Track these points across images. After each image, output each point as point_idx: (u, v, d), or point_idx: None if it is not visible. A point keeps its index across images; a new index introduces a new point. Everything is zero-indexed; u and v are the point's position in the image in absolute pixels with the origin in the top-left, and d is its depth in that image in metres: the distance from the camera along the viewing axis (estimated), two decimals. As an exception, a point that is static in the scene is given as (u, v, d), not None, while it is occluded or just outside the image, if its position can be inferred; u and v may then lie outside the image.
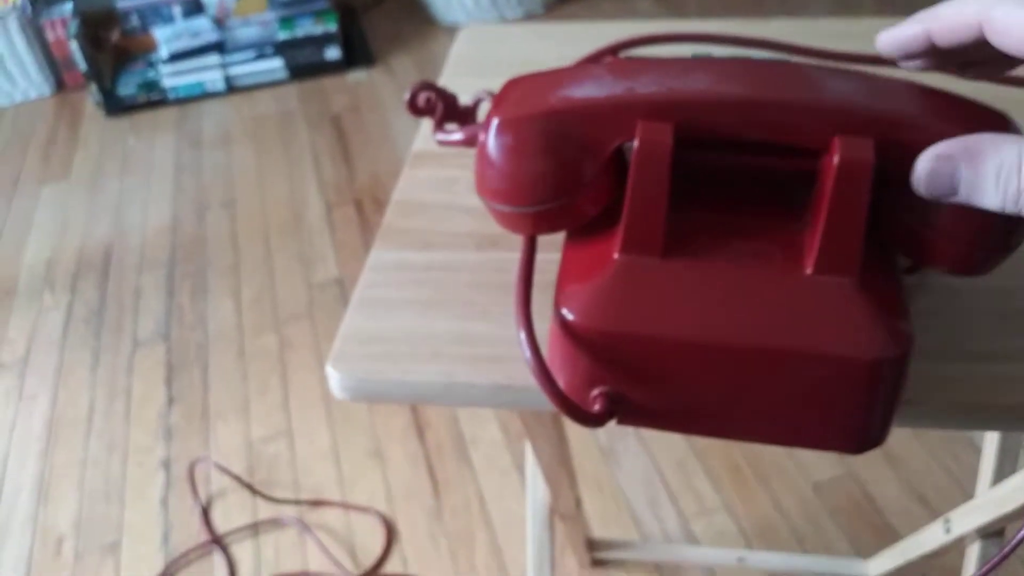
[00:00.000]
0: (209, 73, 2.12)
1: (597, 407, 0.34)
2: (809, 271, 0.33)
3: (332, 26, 2.14)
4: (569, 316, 0.34)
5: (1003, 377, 0.39)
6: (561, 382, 0.35)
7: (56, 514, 1.23)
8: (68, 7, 2.19)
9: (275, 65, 2.13)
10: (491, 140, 0.36)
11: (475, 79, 0.62)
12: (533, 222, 0.37)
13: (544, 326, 0.38)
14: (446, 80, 0.63)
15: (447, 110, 0.47)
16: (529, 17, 2.33)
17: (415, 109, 0.47)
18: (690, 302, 0.33)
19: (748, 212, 0.36)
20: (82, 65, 2.09)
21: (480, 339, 0.42)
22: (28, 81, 2.22)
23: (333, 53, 2.15)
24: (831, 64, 0.39)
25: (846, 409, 0.33)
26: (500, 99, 0.37)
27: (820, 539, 1.10)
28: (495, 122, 0.35)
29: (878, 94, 0.34)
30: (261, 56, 2.12)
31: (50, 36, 2.17)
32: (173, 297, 1.58)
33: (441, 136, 0.46)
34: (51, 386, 1.43)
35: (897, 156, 0.32)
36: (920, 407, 0.38)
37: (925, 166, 0.32)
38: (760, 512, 1.14)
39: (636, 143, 0.33)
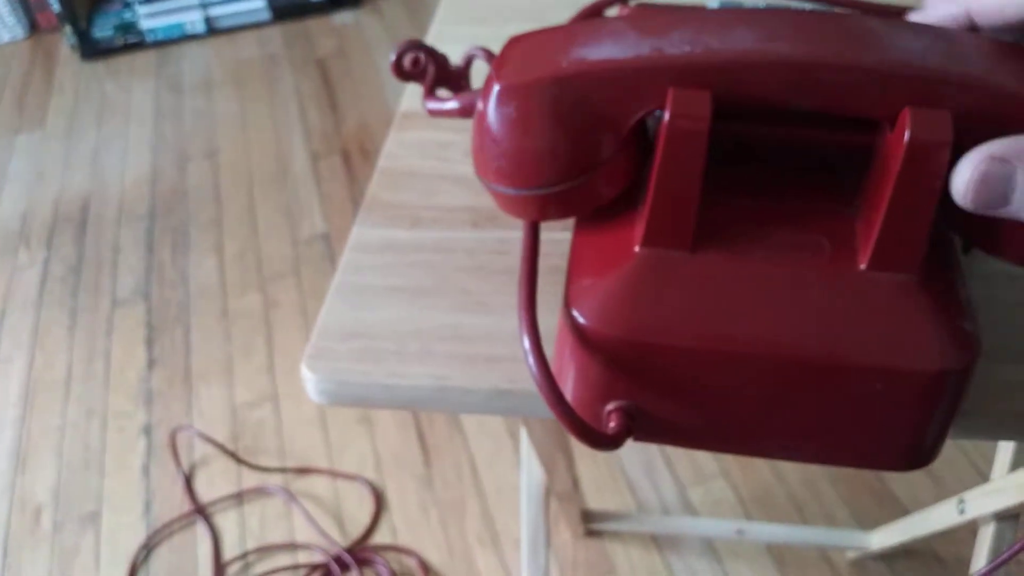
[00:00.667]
0: (188, 14, 2.02)
1: (613, 424, 0.30)
2: (863, 267, 0.28)
3: (317, -36, 2.04)
4: (581, 320, 0.29)
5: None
6: (570, 393, 0.31)
7: (34, 483, 1.19)
8: (38, -57, 2.08)
9: (257, 5, 2.03)
10: (492, 110, 0.30)
11: (471, 27, 0.55)
12: (540, 206, 0.31)
13: (550, 320, 0.32)
14: (438, 28, 0.57)
15: (439, 73, 0.41)
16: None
17: (401, 73, 0.40)
18: (724, 305, 0.28)
19: (791, 196, 0.30)
20: (55, 5, 1.98)
21: (477, 335, 0.37)
22: (0, 24, 2.12)
23: (318, -7, 2.05)
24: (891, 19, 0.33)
25: (899, 425, 0.29)
26: (502, 61, 0.31)
27: (820, 507, 1.07)
28: (496, 89, 0.30)
29: (958, 55, 0.28)
30: (243, -4, 2.02)
31: (20, -25, 2.06)
32: (153, 253, 1.51)
33: (433, 105, 0.40)
34: (27, 348, 1.38)
35: (978, 132, 0.26)
36: (977, 419, 0.33)
37: (973, 171, 0.26)
38: (758, 479, 1.10)
39: (666, 114, 0.27)
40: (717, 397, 0.29)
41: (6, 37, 2.13)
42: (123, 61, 2.02)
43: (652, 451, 1.13)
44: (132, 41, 2.02)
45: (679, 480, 1.11)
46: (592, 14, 0.43)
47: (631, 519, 1.02)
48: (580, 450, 1.14)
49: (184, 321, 1.39)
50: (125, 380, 1.31)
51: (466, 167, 0.45)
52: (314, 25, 2.06)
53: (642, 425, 0.30)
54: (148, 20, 2.00)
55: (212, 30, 2.04)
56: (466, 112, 0.39)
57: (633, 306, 0.28)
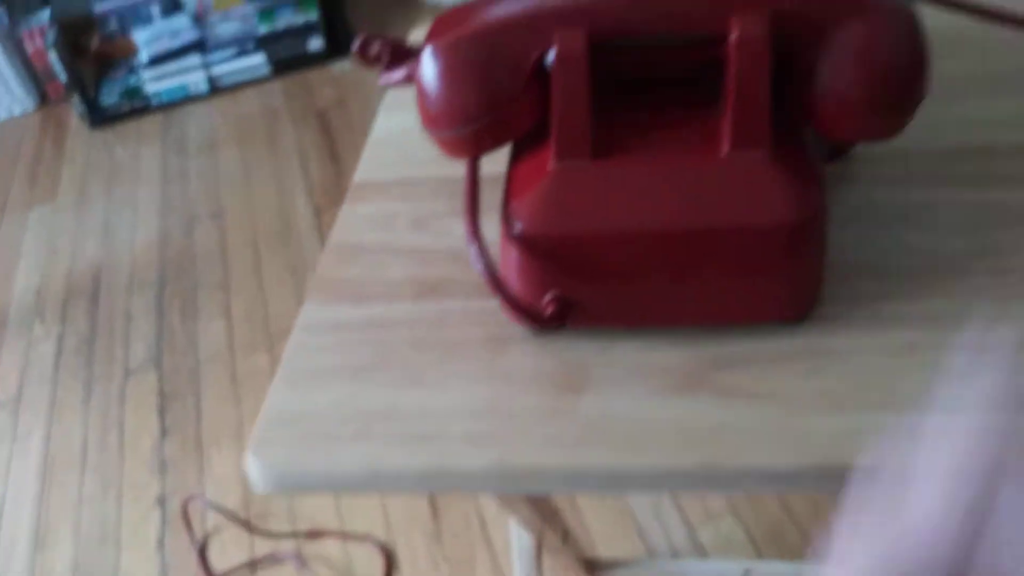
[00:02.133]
0: (191, 75, 2.06)
1: (550, 311, 0.37)
2: (726, 151, 0.35)
3: (313, 15, 2.07)
4: (516, 225, 0.36)
5: None
6: (514, 289, 0.38)
7: (53, 561, 1.20)
8: (46, 15, 2.13)
9: (257, 61, 2.07)
10: (423, 70, 0.37)
11: (396, 169, 0.56)
12: (473, 142, 0.38)
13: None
14: (394, 93, 0.58)
15: (395, 55, 0.45)
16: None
17: (364, 56, 0.45)
18: (622, 196, 0.35)
19: (673, 108, 0.37)
20: (62, 76, 2.04)
21: (412, 412, 0.37)
22: (11, 97, 2.18)
23: (316, 44, 2.09)
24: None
25: (772, 276, 0.36)
26: (430, 33, 0.38)
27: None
28: (424, 52, 0.37)
29: None
30: (243, 52, 2.06)
31: (29, 47, 2.12)
32: (163, 319, 1.53)
33: (385, 78, 0.46)
34: (45, 422, 1.40)
35: (793, 25, 0.34)
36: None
37: None
38: (767, 515, 1.08)
39: (554, 52, 0.35)
40: (629, 275, 0.36)
41: (17, 110, 2.18)
42: (130, 126, 2.06)
43: (660, 493, 1.12)
44: (138, 106, 2.06)
45: (688, 520, 1.09)
46: None
47: (637, 565, 1.01)
48: (585, 501, 1.13)
49: (195, 387, 1.40)
50: (139, 450, 1.32)
51: (411, 237, 0.45)
52: (313, 76, 2.09)
53: (575, 310, 0.37)
54: (153, 84, 2.05)
55: (215, 89, 2.08)
56: (410, 78, 0.43)
57: (552, 208, 0.36)
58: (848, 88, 0.34)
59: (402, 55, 0.43)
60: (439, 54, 0.37)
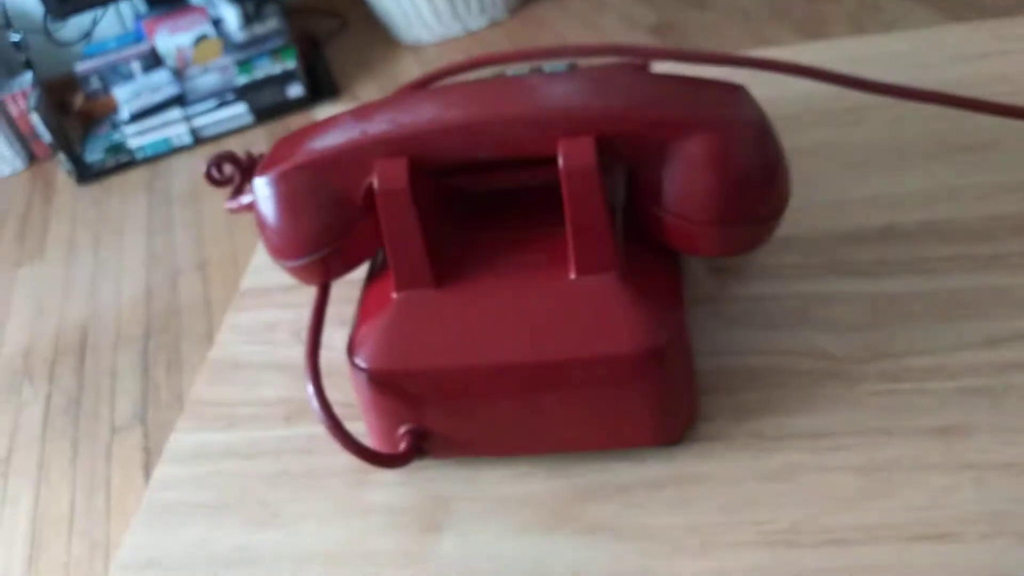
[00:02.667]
0: (174, 128, 2.06)
1: (402, 446, 0.34)
2: (573, 275, 0.33)
3: (291, 63, 2.07)
4: (360, 362, 0.34)
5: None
6: (369, 427, 0.36)
7: (38, 627, 1.19)
8: (28, 78, 2.15)
9: (239, 111, 2.07)
10: (258, 200, 0.36)
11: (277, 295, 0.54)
12: (321, 270, 0.36)
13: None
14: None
15: (247, 176, 0.43)
16: (493, 24, 2.24)
17: (212, 180, 0.42)
18: (468, 328, 0.33)
19: (522, 225, 0.36)
20: (46, 136, 2.05)
21: (264, 556, 0.35)
22: None
23: (296, 91, 2.09)
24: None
25: (637, 403, 0.33)
26: (267, 159, 0.37)
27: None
28: (255, 182, 0.36)
29: (596, 91, 0.33)
30: (223, 103, 2.07)
31: (13, 110, 2.14)
32: (148, 375, 1.53)
33: (231, 203, 0.44)
34: (33, 484, 1.39)
35: (624, 146, 0.32)
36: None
37: None
38: None
39: (375, 183, 0.33)
40: (481, 407, 0.34)
41: (7, 171, 2.20)
42: (116, 181, 2.07)
43: None
44: (123, 160, 2.07)
45: None
46: (418, 87, 0.47)
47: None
48: None
49: (178, 443, 1.39)
50: (125, 509, 1.32)
51: (289, 351, 0.44)
52: (295, 122, 2.09)
53: (431, 443, 0.35)
54: (136, 139, 2.06)
55: (198, 139, 2.08)
56: (251, 206, 0.42)
57: (396, 343, 0.34)
58: (692, 206, 0.32)
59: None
60: (270, 185, 0.35)
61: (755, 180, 0.32)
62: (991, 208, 0.41)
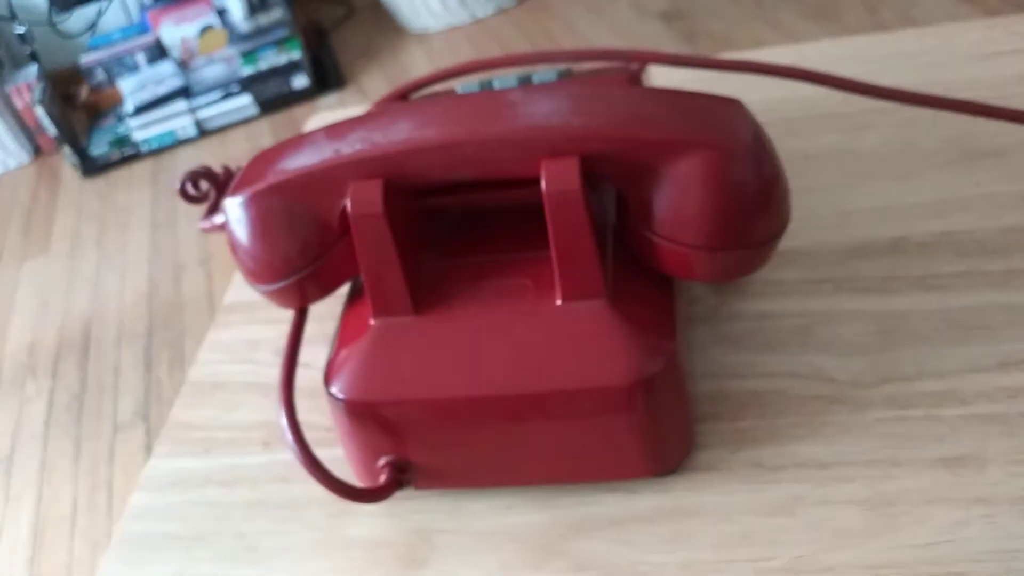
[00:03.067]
0: (179, 120, 2.05)
1: (383, 478, 0.33)
2: (559, 301, 0.31)
3: (296, 53, 2.05)
4: (335, 392, 0.32)
5: None
6: (348, 457, 0.34)
7: (41, 627, 1.19)
8: (33, 70, 2.14)
9: (244, 102, 2.05)
10: (230, 222, 0.34)
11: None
12: (297, 294, 0.35)
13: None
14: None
15: (223, 193, 0.41)
16: (500, 12, 2.21)
17: (187, 197, 0.40)
18: (449, 357, 0.32)
19: (505, 248, 0.34)
20: (51, 130, 2.04)
21: (243, 593, 0.33)
22: (5, 151, 2.18)
23: (301, 81, 2.07)
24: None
25: (629, 434, 0.31)
26: (240, 178, 0.35)
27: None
28: (225, 203, 0.34)
29: (580, 108, 0.31)
30: (228, 95, 2.05)
31: (18, 103, 2.13)
32: (151, 371, 1.52)
33: (204, 223, 0.42)
34: (36, 483, 1.39)
35: (611, 167, 0.30)
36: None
37: None
38: None
39: (348, 205, 0.31)
40: (465, 438, 0.32)
41: (12, 164, 2.19)
42: (122, 174, 2.06)
43: None
44: (128, 153, 2.06)
45: None
46: (397, 98, 0.45)
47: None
48: None
49: (181, 440, 1.38)
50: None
51: (271, 371, 0.42)
52: (300, 113, 2.07)
53: (413, 475, 0.33)
54: (141, 131, 2.04)
55: (203, 132, 2.07)
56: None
57: (373, 372, 0.32)
58: (684, 230, 0.30)
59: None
60: (241, 206, 0.33)
61: (751, 203, 0.30)
62: (1007, 220, 0.39)
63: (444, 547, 0.33)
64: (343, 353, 0.33)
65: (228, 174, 0.41)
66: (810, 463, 0.33)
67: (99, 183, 2.06)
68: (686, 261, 0.31)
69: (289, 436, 0.32)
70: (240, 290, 0.47)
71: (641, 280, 0.33)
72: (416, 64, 2.14)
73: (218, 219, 0.39)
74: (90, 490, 1.35)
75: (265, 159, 0.35)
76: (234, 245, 0.34)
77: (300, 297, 0.35)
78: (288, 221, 0.33)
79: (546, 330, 0.31)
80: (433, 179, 0.32)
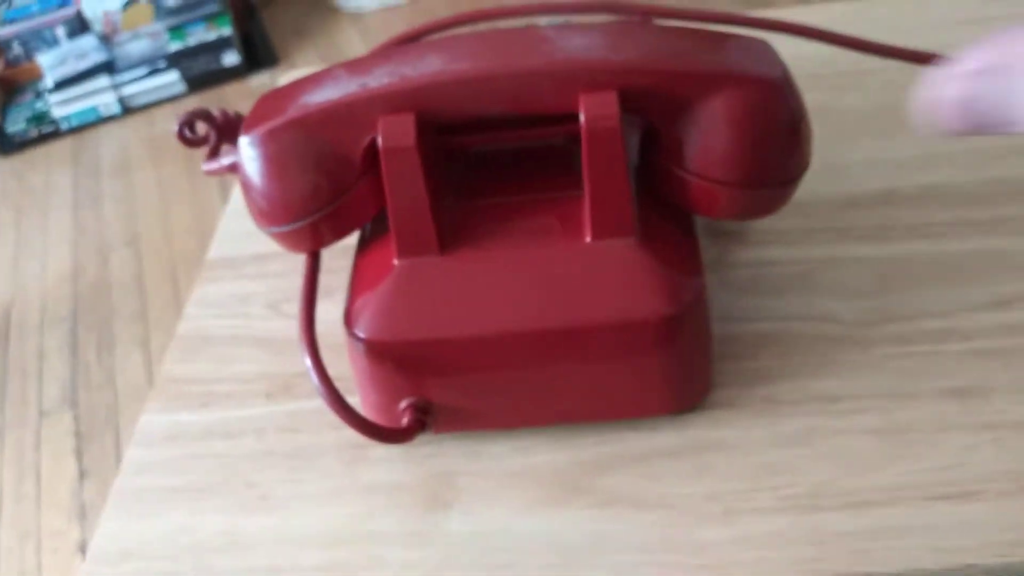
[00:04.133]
0: (101, 96, 1.97)
1: (405, 420, 0.32)
2: (588, 239, 0.31)
3: (226, 29, 1.99)
4: (359, 332, 0.32)
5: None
6: (366, 399, 0.34)
7: (-32, 620, 1.13)
8: (-59, 43, 2.02)
9: (171, 79, 1.99)
10: (243, 162, 0.33)
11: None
12: (311, 236, 0.34)
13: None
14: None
15: (223, 135, 0.40)
16: (436, -7, 2.19)
17: (185, 140, 0.40)
18: (476, 295, 0.31)
19: (530, 188, 0.33)
20: (-37, 106, 1.93)
21: (257, 541, 0.33)
22: (-90, 128, 2.06)
23: (231, 58, 2.01)
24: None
25: (654, 370, 0.32)
26: (250, 117, 0.34)
27: None
28: (241, 141, 0.33)
29: (618, 44, 0.31)
30: (154, 71, 1.97)
31: (-75, 77, 2.01)
32: (78, 356, 1.46)
33: (208, 165, 0.40)
34: (-44, 472, 1.32)
35: (648, 102, 0.30)
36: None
37: (953, 93, 0.22)
38: None
39: (380, 140, 0.30)
40: (491, 378, 0.32)
41: (-82, 142, 2.07)
42: (40, 153, 1.96)
43: None
44: (47, 131, 1.97)
45: None
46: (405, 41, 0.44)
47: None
48: None
49: (113, 425, 1.33)
50: (57, 496, 1.26)
51: (265, 324, 0.41)
52: (231, 91, 2.01)
53: (437, 416, 0.33)
54: (60, 108, 1.95)
55: (127, 109, 1.99)
56: (234, 167, 0.38)
57: (398, 312, 0.31)
58: (718, 168, 0.30)
59: (232, 135, 0.39)
60: (258, 144, 0.32)
61: (783, 139, 0.30)
62: (990, 172, 0.41)
63: (468, 489, 0.33)
64: (365, 295, 0.32)
65: (226, 116, 0.40)
66: (823, 397, 0.34)
67: (15, 162, 1.96)
68: (717, 199, 0.31)
69: (315, 376, 0.31)
70: (224, 246, 0.46)
71: (666, 219, 0.33)
72: (350, 43, 2.11)
73: (225, 160, 0.38)
74: (16, 479, 1.29)
75: (278, 96, 0.34)
76: (247, 185, 0.33)
77: (313, 239, 0.34)
78: (308, 159, 0.32)
79: (575, 267, 0.31)
80: (465, 113, 0.31)
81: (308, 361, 0.31)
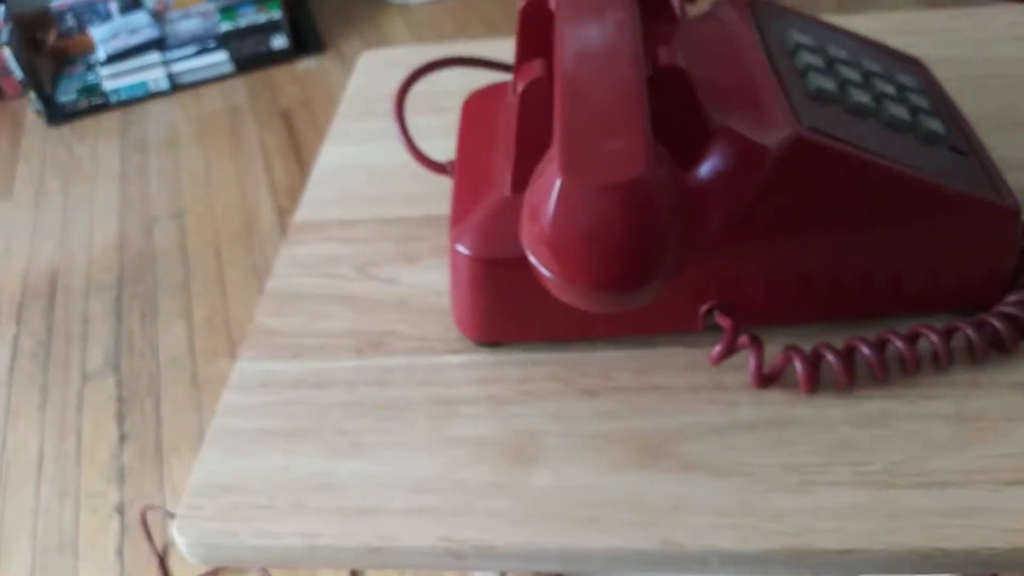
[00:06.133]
0: (151, 72, 2.00)
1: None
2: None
3: (276, 13, 2.02)
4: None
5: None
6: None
7: (8, 569, 1.16)
8: (1, 11, 2.07)
9: (220, 59, 2.02)
10: None
11: (377, 120, 0.53)
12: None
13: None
14: (340, 123, 0.54)
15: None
16: (485, -12, 2.21)
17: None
18: None
19: None
20: (18, 73, 1.97)
21: (349, 483, 0.34)
22: (-36, 93, 2.10)
23: (280, 42, 2.04)
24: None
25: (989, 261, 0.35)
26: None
27: None
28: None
29: None
30: (204, 50, 2.01)
31: (-19, 44, 2.05)
32: (122, 322, 1.49)
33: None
34: (0, 430, 1.35)
35: None
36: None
37: None
38: None
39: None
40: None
41: (-28, 107, 2.11)
42: (89, 124, 2.00)
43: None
44: (97, 103, 2.01)
45: None
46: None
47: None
48: None
49: (154, 392, 1.36)
50: (97, 458, 1.29)
51: (352, 285, 0.43)
52: (277, 74, 2.04)
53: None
54: (111, 81, 1.99)
55: (176, 86, 2.02)
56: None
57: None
58: None
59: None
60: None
61: None
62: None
63: (551, 447, 0.34)
64: (478, 222, 0.35)
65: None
66: (896, 383, 0.35)
67: (64, 132, 2.00)
68: None
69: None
70: (311, 209, 0.48)
71: None
72: (397, 34, 2.13)
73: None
74: (58, 438, 1.32)
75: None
76: None
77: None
78: None
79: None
80: None
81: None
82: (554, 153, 0.27)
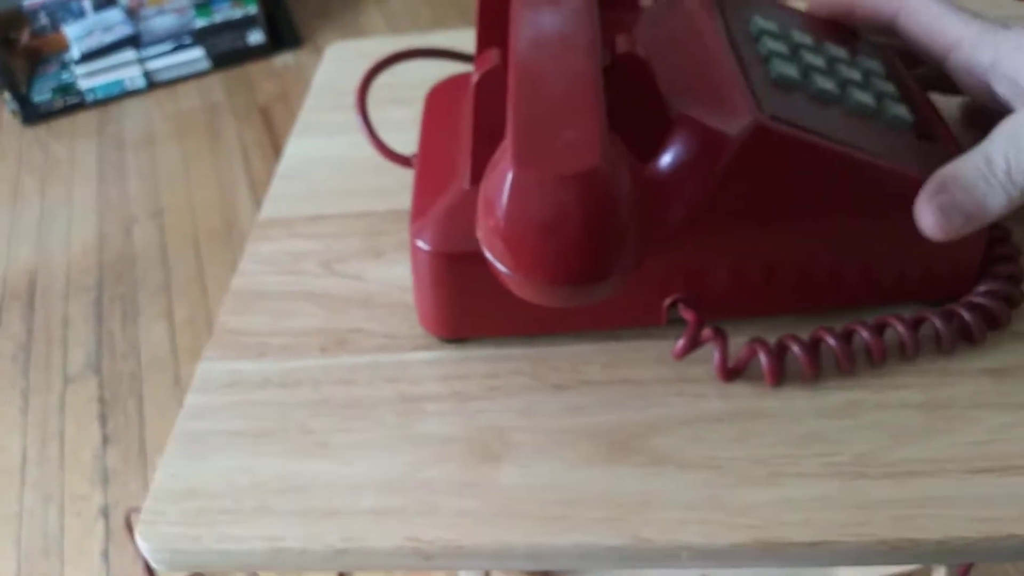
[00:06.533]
0: (127, 70, 1.98)
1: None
2: None
3: (252, 8, 2.01)
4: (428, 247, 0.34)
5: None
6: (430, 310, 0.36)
7: (-8, 577, 1.15)
8: (-30, 11, 2.04)
9: (196, 55, 2.00)
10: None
11: (345, 113, 0.52)
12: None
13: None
14: (307, 116, 0.54)
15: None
16: (463, -21, 2.19)
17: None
18: None
19: None
20: (-9, 74, 1.95)
21: (315, 484, 0.34)
22: (-63, 95, 2.08)
23: (256, 37, 2.02)
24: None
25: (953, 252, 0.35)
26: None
27: None
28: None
29: None
30: (180, 47, 1.99)
31: (-46, 45, 2.02)
32: (103, 324, 1.48)
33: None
34: (-21, 433, 1.34)
35: None
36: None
37: (932, 218, 0.32)
38: None
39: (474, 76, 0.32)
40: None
41: (-54, 108, 2.09)
42: (64, 123, 1.98)
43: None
44: (72, 102, 1.99)
45: None
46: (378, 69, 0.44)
47: None
48: None
49: (137, 393, 1.35)
50: (80, 460, 1.28)
51: (318, 281, 0.42)
52: (255, 70, 2.02)
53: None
54: (86, 80, 1.97)
55: (152, 84, 2.01)
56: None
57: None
58: None
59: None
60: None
61: None
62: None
63: (518, 443, 0.34)
64: (437, 216, 0.34)
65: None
66: (864, 372, 0.35)
67: (40, 131, 1.98)
68: None
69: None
70: (276, 205, 0.47)
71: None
72: (374, 26, 2.12)
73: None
74: (40, 442, 1.31)
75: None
76: None
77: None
78: None
79: None
80: None
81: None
82: (507, 144, 0.27)
